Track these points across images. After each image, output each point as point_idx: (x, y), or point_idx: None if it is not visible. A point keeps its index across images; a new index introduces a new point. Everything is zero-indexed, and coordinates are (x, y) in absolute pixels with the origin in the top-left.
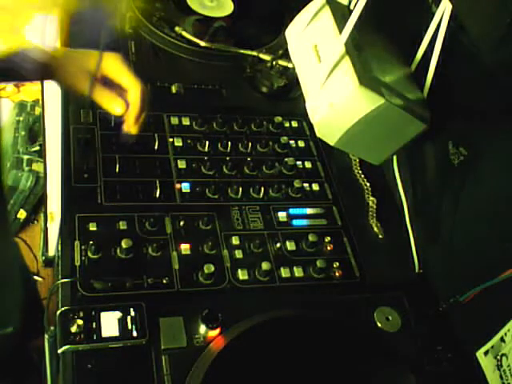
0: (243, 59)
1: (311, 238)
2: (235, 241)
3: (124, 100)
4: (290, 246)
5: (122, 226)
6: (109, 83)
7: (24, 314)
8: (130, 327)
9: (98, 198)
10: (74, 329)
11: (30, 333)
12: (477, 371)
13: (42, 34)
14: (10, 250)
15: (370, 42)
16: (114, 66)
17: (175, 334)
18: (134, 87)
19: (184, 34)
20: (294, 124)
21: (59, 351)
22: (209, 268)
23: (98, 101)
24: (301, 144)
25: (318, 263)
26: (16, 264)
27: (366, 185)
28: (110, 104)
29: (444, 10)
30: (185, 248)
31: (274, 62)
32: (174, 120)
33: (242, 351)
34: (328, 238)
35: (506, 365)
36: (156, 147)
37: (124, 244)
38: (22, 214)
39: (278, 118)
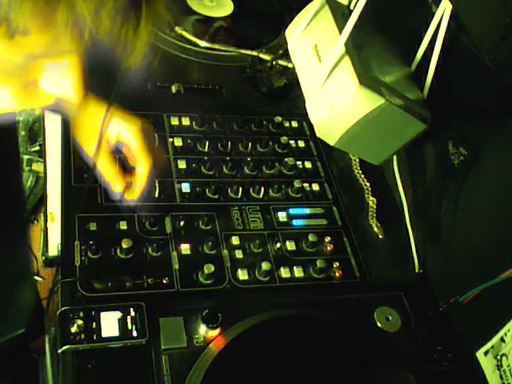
0: (243, 59)
1: (311, 238)
2: (235, 241)
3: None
4: (290, 246)
5: (122, 226)
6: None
7: (32, 316)
8: (130, 327)
9: (98, 198)
10: (74, 329)
11: (30, 333)
12: (477, 371)
13: (59, 81)
14: (23, 252)
15: (370, 42)
16: (133, 134)
17: (175, 334)
18: (144, 164)
19: (184, 33)
20: (294, 124)
21: (59, 351)
22: (209, 268)
23: (101, 170)
24: (301, 144)
25: (318, 263)
26: (25, 266)
27: (366, 185)
28: (112, 179)
29: (444, 10)
30: (185, 248)
31: (274, 62)
32: (174, 120)
33: (242, 351)
34: (328, 238)
35: (506, 365)
36: (156, 147)
37: (124, 244)
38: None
39: (278, 118)
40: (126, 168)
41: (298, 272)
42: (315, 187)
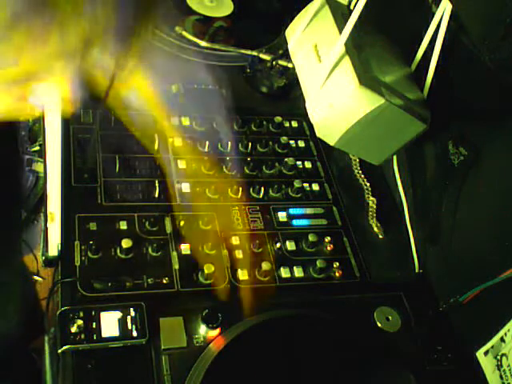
0: (243, 59)
1: (311, 238)
2: (235, 241)
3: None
4: (290, 246)
5: (122, 225)
6: None
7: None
8: (130, 327)
9: (98, 198)
10: (74, 329)
11: (30, 333)
12: (477, 371)
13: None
14: (20, 252)
15: (370, 42)
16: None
17: (175, 334)
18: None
19: (184, 33)
20: (294, 124)
21: (59, 351)
22: (209, 268)
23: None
24: (301, 144)
25: (318, 263)
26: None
27: (366, 185)
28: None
29: (444, 10)
30: (185, 248)
31: (274, 62)
32: (174, 120)
33: (242, 351)
34: (328, 238)
35: (506, 365)
36: (156, 147)
37: (124, 244)
38: (22, 214)
39: (278, 118)
40: (126, 168)
41: (298, 272)
42: (315, 187)
